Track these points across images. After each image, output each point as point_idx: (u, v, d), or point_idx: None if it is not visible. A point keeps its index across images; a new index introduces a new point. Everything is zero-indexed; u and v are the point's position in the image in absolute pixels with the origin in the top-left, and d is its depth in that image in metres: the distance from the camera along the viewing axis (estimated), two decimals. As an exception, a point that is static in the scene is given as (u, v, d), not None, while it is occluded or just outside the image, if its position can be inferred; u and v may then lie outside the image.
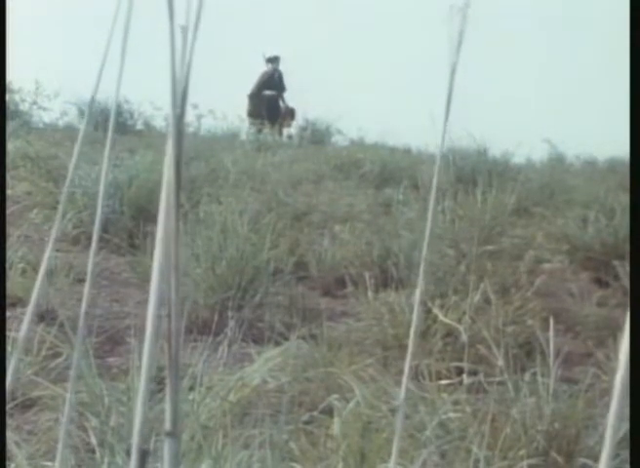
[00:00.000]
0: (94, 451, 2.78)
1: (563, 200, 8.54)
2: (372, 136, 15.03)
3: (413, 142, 14.37)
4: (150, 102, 14.72)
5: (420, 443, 2.88)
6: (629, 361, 0.57)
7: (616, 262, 5.68)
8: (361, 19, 23.26)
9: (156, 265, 0.61)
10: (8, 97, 13.15)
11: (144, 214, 6.07)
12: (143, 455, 0.63)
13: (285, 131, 17.17)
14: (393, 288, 4.91)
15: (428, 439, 2.90)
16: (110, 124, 0.74)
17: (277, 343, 4.04)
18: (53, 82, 14.50)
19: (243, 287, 4.74)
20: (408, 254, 5.39)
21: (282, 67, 18.02)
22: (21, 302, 4.31)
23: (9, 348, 3.19)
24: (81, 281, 4.88)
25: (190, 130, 14.49)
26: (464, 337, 4.09)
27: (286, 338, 4.07)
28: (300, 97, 17.03)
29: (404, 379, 0.88)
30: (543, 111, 17.79)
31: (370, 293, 4.70)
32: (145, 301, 0.61)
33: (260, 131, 15.59)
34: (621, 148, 11.91)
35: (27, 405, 3.30)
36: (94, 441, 2.85)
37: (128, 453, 2.64)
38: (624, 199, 6.93)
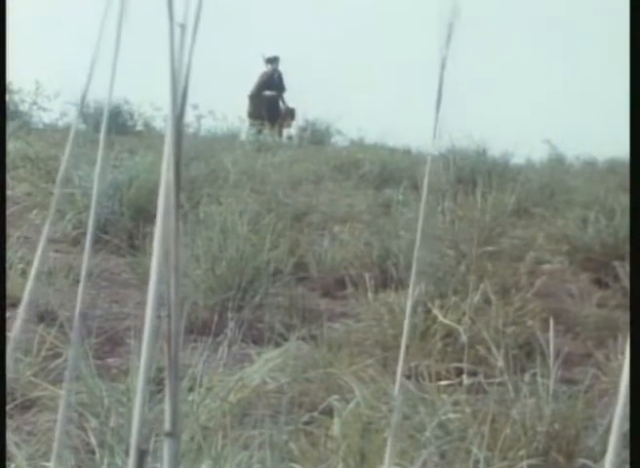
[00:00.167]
0: (93, 452, 2.78)
1: (563, 200, 8.53)
2: (372, 137, 15.02)
3: (413, 143, 14.34)
4: (150, 103, 14.74)
5: (420, 443, 2.87)
6: (629, 361, 0.57)
7: (616, 263, 5.67)
8: (361, 19, 23.28)
9: (155, 266, 0.61)
10: (8, 97, 13.14)
11: (144, 214, 6.07)
12: (142, 455, 0.63)
13: (285, 131, 17.16)
14: (393, 288, 4.91)
15: (428, 439, 2.90)
16: (103, 124, 0.74)
17: (277, 344, 4.04)
18: (53, 82, 14.49)
19: (243, 287, 4.74)
20: (408, 255, 5.38)
21: (282, 68, 18.02)
22: (21, 303, 4.30)
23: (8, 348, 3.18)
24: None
25: (190, 130, 14.47)
26: (464, 338, 4.09)
27: (286, 339, 4.07)
28: (300, 98, 17.03)
29: (398, 376, 0.88)
30: (543, 111, 17.80)
31: (370, 294, 4.69)
32: (145, 302, 0.61)
33: (259, 131, 15.58)
34: (621, 149, 11.89)
35: (27, 405, 3.30)
36: (93, 441, 2.85)
37: (127, 454, 2.63)
38: (624, 200, 6.92)
